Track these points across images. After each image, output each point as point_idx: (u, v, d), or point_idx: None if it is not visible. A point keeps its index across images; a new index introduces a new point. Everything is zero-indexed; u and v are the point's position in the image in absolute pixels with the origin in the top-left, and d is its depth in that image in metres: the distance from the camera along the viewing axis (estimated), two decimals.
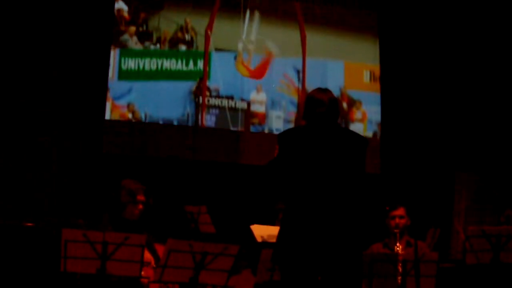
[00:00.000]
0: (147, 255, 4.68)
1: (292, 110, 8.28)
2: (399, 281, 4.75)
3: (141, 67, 7.89)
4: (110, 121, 7.70)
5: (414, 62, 8.49)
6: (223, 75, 8.09)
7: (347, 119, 8.35)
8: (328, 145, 3.90)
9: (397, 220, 5.52)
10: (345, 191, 3.85)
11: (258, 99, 8.18)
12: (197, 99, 7.96)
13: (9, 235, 6.08)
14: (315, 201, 3.80)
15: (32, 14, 7.44)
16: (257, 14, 8.30)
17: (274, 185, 4.05)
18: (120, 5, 7.94)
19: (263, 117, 8.19)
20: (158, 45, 7.98)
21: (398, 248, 5.29)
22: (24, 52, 7.39)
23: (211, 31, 8.09)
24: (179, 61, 8.02)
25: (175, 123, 7.87)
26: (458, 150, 8.28)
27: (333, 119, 3.99)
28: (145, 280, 4.57)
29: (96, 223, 5.12)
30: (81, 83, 7.56)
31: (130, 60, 7.86)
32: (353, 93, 8.48)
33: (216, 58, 8.09)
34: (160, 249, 4.58)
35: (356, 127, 8.38)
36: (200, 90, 7.96)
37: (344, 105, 8.37)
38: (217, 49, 8.12)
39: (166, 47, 8.01)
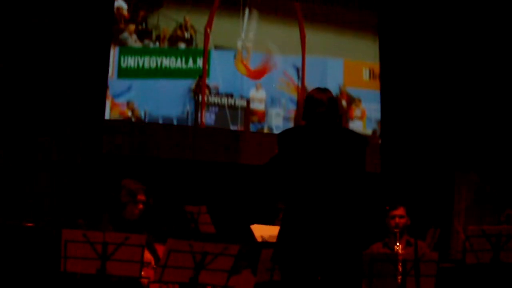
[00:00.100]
0: (147, 255, 4.68)
1: (292, 108, 8.28)
2: (399, 280, 4.75)
3: (140, 65, 7.89)
4: (110, 121, 7.70)
5: (414, 60, 8.49)
6: (222, 73, 8.10)
7: (347, 116, 8.35)
8: (328, 145, 3.90)
9: (397, 219, 5.52)
10: (345, 191, 3.86)
11: (258, 97, 8.19)
12: (196, 97, 7.96)
13: (9, 235, 6.08)
14: (315, 201, 3.80)
15: (32, 13, 7.43)
16: (256, 12, 8.31)
17: (273, 184, 4.06)
18: (120, 3, 7.94)
19: (263, 115, 8.19)
20: (157, 43, 7.99)
21: (398, 248, 5.29)
22: (23, 51, 7.38)
23: (210, 29, 8.09)
24: (179, 59, 8.02)
25: (175, 121, 7.87)
26: (458, 150, 8.28)
27: (333, 119, 3.99)
28: (145, 280, 4.58)
29: (96, 223, 5.12)
30: (81, 82, 7.56)
31: (129, 58, 7.87)
32: (353, 91, 8.49)
33: (215, 56, 8.10)
34: (160, 249, 4.58)
35: (356, 125, 8.40)
36: (200, 88, 7.97)
37: (344, 102, 8.37)
38: (217, 47, 8.12)
39: (165, 45, 8.01)
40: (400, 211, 5.57)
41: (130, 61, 7.87)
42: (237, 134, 8.08)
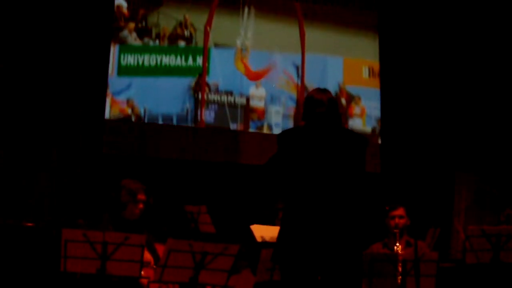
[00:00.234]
0: (147, 255, 4.68)
1: (291, 106, 8.29)
2: (399, 281, 4.75)
3: (140, 63, 7.90)
4: (110, 121, 7.70)
5: (414, 59, 8.48)
6: (222, 71, 8.10)
7: (346, 114, 8.36)
8: (328, 145, 3.90)
9: (396, 220, 5.52)
10: (345, 191, 3.86)
11: (257, 95, 8.20)
12: (196, 95, 7.98)
13: (9, 235, 6.09)
14: (315, 201, 3.81)
15: (32, 11, 7.43)
16: (256, 10, 8.31)
17: (273, 184, 4.06)
18: (120, 1, 7.95)
19: (262, 113, 8.20)
20: (157, 41, 7.99)
21: (397, 248, 5.29)
22: (23, 50, 7.37)
23: (210, 27, 8.10)
24: (178, 57, 8.03)
25: (175, 118, 7.87)
26: (458, 150, 8.28)
27: (333, 119, 3.99)
28: (145, 280, 4.58)
29: (96, 223, 5.12)
30: (81, 80, 7.55)
31: (129, 56, 7.87)
32: (352, 89, 8.50)
33: (215, 54, 8.11)
34: (160, 249, 4.59)
35: (355, 123, 8.41)
36: (200, 86, 7.98)
37: (343, 100, 8.38)
38: (216, 45, 8.13)
39: (165, 43, 8.02)
40: (400, 211, 5.57)
41: (130, 59, 7.88)
42: (237, 134, 8.08)
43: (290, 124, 8.19)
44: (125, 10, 7.93)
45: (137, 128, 7.79)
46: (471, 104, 8.35)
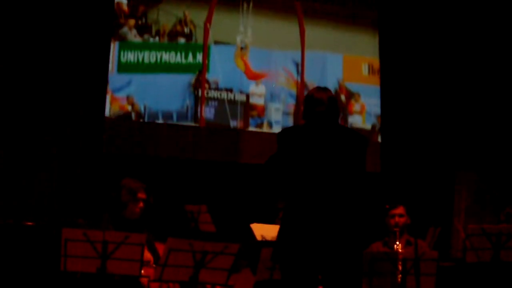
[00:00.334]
0: (146, 254, 4.68)
1: (291, 103, 8.30)
2: (399, 279, 4.75)
3: (140, 60, 7.90)
4: (110, 120, 7.69)
5: (414, 58, 8.47)
6: (222, 68, 8.10)
7: (346, 111, 8.36)
8: (328, 144, 3.90)
9: (396, 218, 5.52)
10: (345, 190, 3.86)
11: (257, 92, 8.20)
12: (196, 92, 7.98)
13: (9, 235, 6.09)
14: (315, 200, 3.80)
15: (32, 9, 7.42)
16: (255, 8, 8.31)
17: (273, 183, 4.05)
18: None
19: (262, 110, 8.21)
20: (157, 38, 7.99)
21: (397, 247, 5.29)
22: (23, 49, 7.35)
23: (210, 24, 8.10)
24: (178, 54, 8.03)
25: (175, 115, 7.87)
26: (458, 149, 8.28)
27: (333, 118, 3.99)
28: (145, 279, 4.58)
29: (96, 222, 5.12)
30: (81, 78, 7.55)
31: (129, 52, 7.87)
32: (352, 86, 8.50)
33: (215, 51, 8.11)
34: (161, 248, 4.59)
35: (355, 120, 8.42)
36: (199, 82, 7.99)
37: (343, 97, 8.39)
38: (216, 42, 8.13)
39: (165, 40, 8.02)
40: (400, 210, 5.57)
41: (130, 56, 7.88)
42: (237, 133, 8.08)
43: (290, 121, 8.20)
44: (125, 7, 7.93)
45: (137, 127, 7.79)
46: (471, 103, 8.35)
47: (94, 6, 7.63)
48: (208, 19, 8.11)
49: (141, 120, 7.80)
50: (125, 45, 7.87)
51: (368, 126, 8.46)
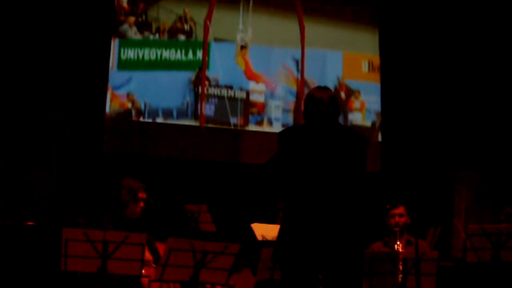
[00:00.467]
0: (146, 254, 4.68)
1: (291, 100, 8.31)
2: (400, 279, 4.75)
3: (140, 57, 7.91)
4: (110, 121, 7.70)
5: (414, 55, 8.46)
6: (222, 65, 8.11)
7: (346, 108, 8.37)
8: (329, 144, 3.90)
9: (396, 218, 5.52)
10: (345, 190, 3.86)
11: (257, 89, 8.21)
12: (196, 89, 7.99)
13: (10, 235, 6.09)
14: (315, 200, 3.80)
15: (32, 7, 7.41)
16: (255, 5, 8.31)
17: (274, 183, 4.05)
18: None
19: (262, 107, 8.22)
20: (157, 35, 8.00)
21: (398, 247, 5.29)
22: (23, 47, 7.35)
23: (210, 21, 8.10)
24: (178, 51, 8.04)
25: (175, 112, 7.88)
26: (458, 148, 8.27)
27: (333, 117, 3.99)
28: (146, 279, 4.58)
29: (96, 222, 5.12)
30: (81, 76, 7.55)
31: (129, 50, 7.88)
32: (352, 83, 8.51)
33: (215, 48, 8.11)
34: (161, 247, 4.59)
35: (355, 117, 8.43)
36: (200, 80, 7.99)
37: (342, 95, 8.39)
38: (216, 39, 8.14)
39: (165, 37, 8.03)
40: (400, 210, 5.57)
41: (130, 53, 7.89)
42: (238, 133, 8.08)
43: (290, 118, 8.21)
44: (125, 5, 7.94)
45: (137, 127, 7.79)
46: (471, 103, 8.34)
47: (94, 4, 7.64)
48: (208, 16, 8.12)
49: (141, 117, 7.81)
50: (125, 42, 7.88)
51: (368, 123, 8.47)
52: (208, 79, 8.04)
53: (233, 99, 8.10)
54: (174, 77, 7.97)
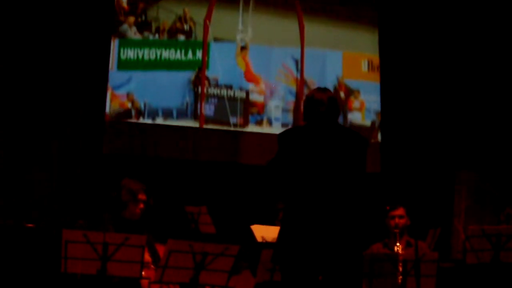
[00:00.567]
0: (145, 256, 4.68)
1: (291, 100, 8.30)
2: (400, 280, 4.75)
3: (140, 57, 7.91)
4: (110, 121, 7.70)
5: (414, 55, 8.46)
6: (222, 65, 8.11)
7: (345, 108, 8.36)
8: (329, 145, 3.90)
9: (396, 220, 5.52)
10: (345, 191, 3.86)
11: (257, 89, 8.21)
12: (196, 89, 7.99)
13: (10, 236, 6.09)
14: (315, 201, 3.80)
15: (32, 7, 7.40)
16: (255, 4, 8.30)
17: (274, 184, 4.05)
18: None
19: (262, 107, 8.21)
20: (157, 35, 8.00)
21: (398, 248, 5.30)
22: (23, 47, 7.34)
23: (209, 21, 8.10)
24: (178, 51, 8.04)
25: (174, 112, 7.88)
26: (458, 149, 8.27)
27: (333, 119, 4.00)
28: (146, 281, 4.58)
29: (96, 223, 5.12)
30: (81, 76, 7.55)
31: (129, 50, 7.88)
32: (351, 83, 8.50)
33: (215, 48, 8.11)
34: (161, 249, 4.59)
35: (354, 116, 8.42)
36: (199, 79, 7.99)
37: (342, 94, 8.39)
38: (216, 39, 8.13)
39: (165, 37, 8.03)
40: (400, 211, 5.57)
41: (130, 53, 7.89)
42: (238, 134, 8.08)
43: (290, 118, 8.21)
44: (124, 4, 7.94)
45: (137, 128, 7.79)
46: (471, 103, 8.33)
47: (94, 4, 7.64)
48: (208, 16, 8.11)
49: (141, 117, 7.81)
50: (125, 42, 7.88)
51: (367, 123, 8.47)
52: (207, 79, 8.04)
53: (232, 99, 8.10)
54: (174, 77, 7.97)
